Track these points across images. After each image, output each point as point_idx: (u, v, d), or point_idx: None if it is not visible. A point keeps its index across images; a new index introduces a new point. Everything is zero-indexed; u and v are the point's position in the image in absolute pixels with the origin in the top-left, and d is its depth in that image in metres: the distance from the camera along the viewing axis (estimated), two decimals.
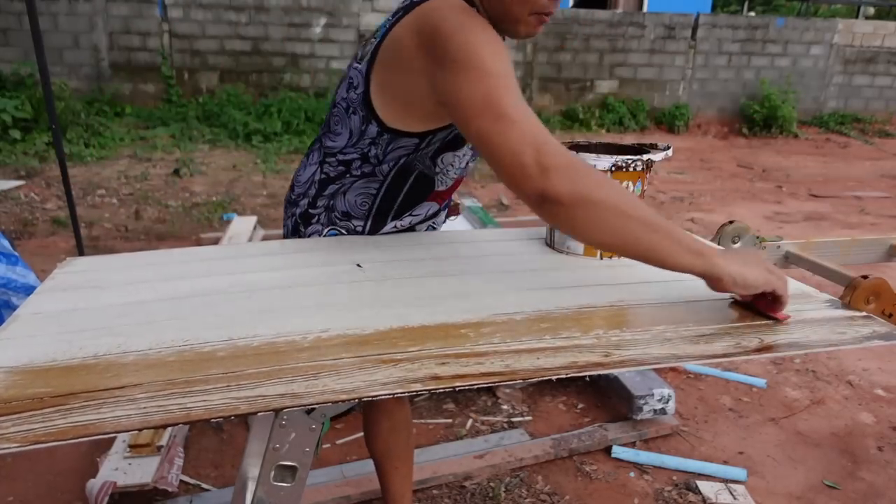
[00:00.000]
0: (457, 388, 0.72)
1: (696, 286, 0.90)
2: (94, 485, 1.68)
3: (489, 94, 0.86)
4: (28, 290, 1.91)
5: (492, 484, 1.89)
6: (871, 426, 2.27)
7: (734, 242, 1.38)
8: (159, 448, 1.83)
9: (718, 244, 1.34)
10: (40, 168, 5.61)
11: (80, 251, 2.92)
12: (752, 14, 14.14)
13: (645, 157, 1.08)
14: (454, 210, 1.51)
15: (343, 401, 0.68)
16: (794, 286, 1.05)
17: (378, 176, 1.14)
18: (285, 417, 0.81)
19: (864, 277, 0.98)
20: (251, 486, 1.34)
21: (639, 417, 2.13)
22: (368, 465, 1.50)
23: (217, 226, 4.35)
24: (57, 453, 1.93)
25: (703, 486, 1.90)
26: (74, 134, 6.50)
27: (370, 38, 1.08)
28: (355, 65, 1.09)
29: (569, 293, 0.96)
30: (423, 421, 2.18)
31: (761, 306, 0.90)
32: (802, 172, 7.04)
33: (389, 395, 0.69)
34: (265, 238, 3.70)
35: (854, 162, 7.80)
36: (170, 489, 1.73)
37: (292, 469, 0.84)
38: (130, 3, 7.51)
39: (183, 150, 6.54)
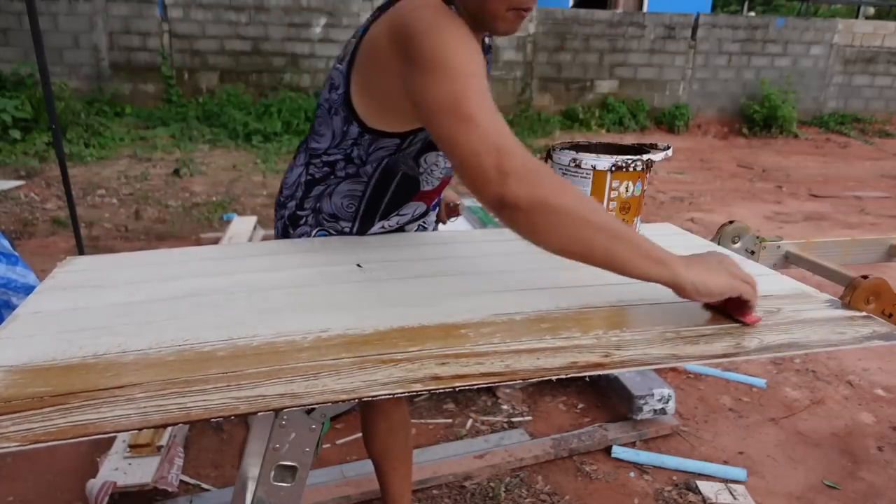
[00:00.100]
0: (457, 388, 0.72)
1: None
2: (94, 485, 1.68)
3: (455, 95, 0.85)
4: (28, 290, 1.91)
5: (492, 484, 1.89)
6: (871, 426, 2.27)
7: (734, 242, 1.38)
8: (159, 448, 1.83)
9: (718, 244, 1.34)
10: (40, 168, 5.61)
11: (80, 251, 2.91)
12: (752, 14, 14.14)
13: (645, 157, 1.08)
14: (454, 210, 1.51)
15: (343, 401, 0.68)
16: (794, 286, 1.05)
17: (362, 177, 1.14)
18: (285, 417, 0.81)
19: (864, 277, 0.98)
20: (251, 486, 1.34)
21: (639, 417, 2.13)
22: (368, 465, 1.50)
23: (217, 226, 4.35)
24: (57, 453, 1.93)
25: (703, 486, 1.90)
26: (74, 134, 6.50)
27: (351, 38, 1.08)
28: (337, 65, 1.09)
29: (569, 293, 0.96)
30: (423, 421, 2.18)
31: (731, 309, 0.89)
32: (802, 172, 7.04)
33: (389, 395, 0.69)
34: (265, 238, 3.70)
35: (854, 162, 7.80)
36: (170, 489, 1.73)
37: (292, 469, 0.84)
38: (130, 3, 7.51)
39: (183, 150, 6.54)
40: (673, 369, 2.53)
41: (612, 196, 1.06)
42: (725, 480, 1.93)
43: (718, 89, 9.29)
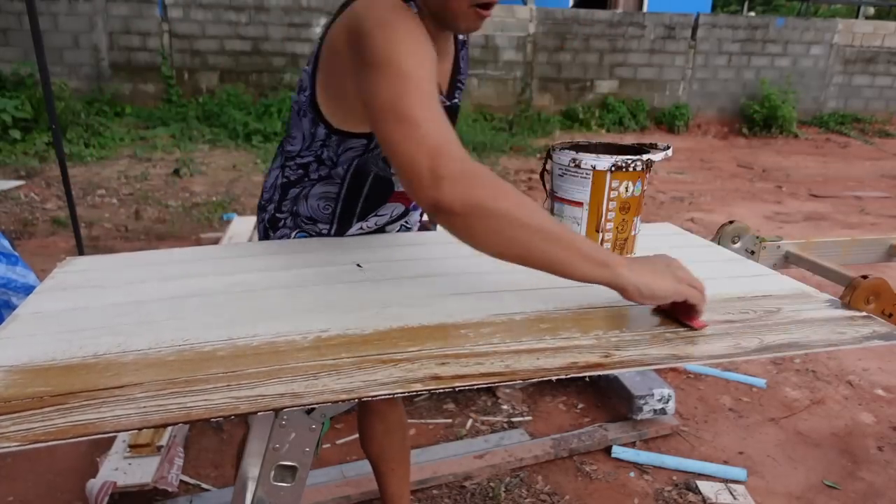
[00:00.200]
0: (457, 388, 0.72)
1: None
2: (94, 485, 1.68)
3: (397, 94, 0.83)
4: (28, 290, 1.91)
5: (492, 484, 1.89)
6: (871, 426, 2.27)
7: (734, 242, 1.38)
8: (159, 448, 1.83)
9: (718, 244, 1.34)
10: (40, 168, 5.61)
11: (80, 251, 2.92)
12: (752, 14, 14.15)
13: (645, 157, 1.08)
14: None
15: (343, 401, 0.68)
16: (794, 286, 1.05)
17: (335, 179, 1.13)
18: (285, 417, 0.81)
19: (864, 277, 0.98)
20: (251, 486, 1.34)
21: (639, 417, 2.13)
22: (368, 465, 1.51)
23: (217, 226, 4.35)
24: (57, 453, 1.93)
25: (703, 486, 1.90)
26: (74, 134, 6.50)
27: (317, 39, 1.08)
28: (305, 67, 1.09)
29: (569, 293, 0.96)
30: (423, 421, 2.18)
31: (679, 314, 0.88)
32: (802, 172, 7.04)
33: (389, 394, 0.69)
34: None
35: (854, 162, 7.80)
36: (170, 489, 1.73)
37: (292, 469, 0.84)
38: (130, 3, 7.51)
39: (183, 150, 6.54)
40: (673, 369, 2.53)
41: (611, 196, 1.06)
42: (725, 480, 1.93)
43: (718, 89, 9.29)
